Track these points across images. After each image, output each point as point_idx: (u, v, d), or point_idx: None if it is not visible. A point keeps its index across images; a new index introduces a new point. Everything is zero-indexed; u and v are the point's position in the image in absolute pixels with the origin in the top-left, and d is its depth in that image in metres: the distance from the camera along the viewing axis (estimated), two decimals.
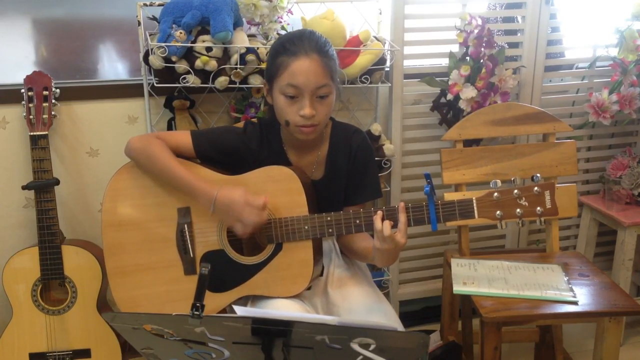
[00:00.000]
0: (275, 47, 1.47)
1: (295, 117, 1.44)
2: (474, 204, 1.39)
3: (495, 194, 1.38)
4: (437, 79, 2.06)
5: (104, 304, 1.88)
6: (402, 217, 1.36)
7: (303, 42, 1.42)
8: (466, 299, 1.96)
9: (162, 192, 1.51)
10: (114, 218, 1.52)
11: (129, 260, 1.52)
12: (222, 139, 1.55)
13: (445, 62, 2.07)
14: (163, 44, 1.72)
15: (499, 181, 1.38)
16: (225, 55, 1.78)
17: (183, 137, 1.52)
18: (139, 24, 1.83)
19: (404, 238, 1.34)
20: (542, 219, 1.39)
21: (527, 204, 1.37)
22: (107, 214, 1.52)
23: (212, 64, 1.75)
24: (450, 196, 1.43)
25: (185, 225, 1.50)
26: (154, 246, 1.51)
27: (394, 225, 1.35)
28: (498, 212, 1.38)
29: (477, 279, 1.72)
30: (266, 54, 1.77)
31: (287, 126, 1.47)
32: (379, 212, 1.37)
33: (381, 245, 1.34)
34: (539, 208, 1.37)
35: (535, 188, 1.37)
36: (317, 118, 1.44)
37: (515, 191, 1.37)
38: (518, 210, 1.38)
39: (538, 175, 1.37)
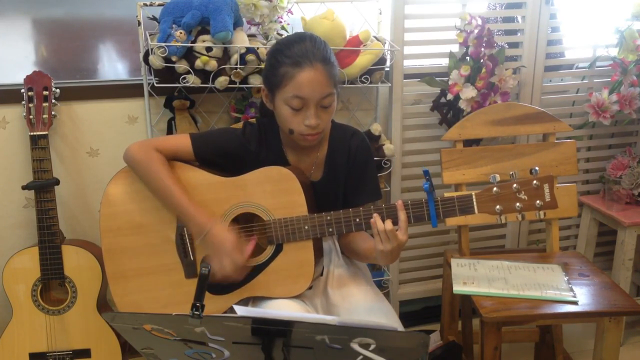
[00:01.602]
0: (276, 56, 1.44)
1: (300, 127, 1.43)
2: (474, 199, 1.39)
3: (495, 188, 1.38)
4: (437, 79, 2.06)
5: (104, 304, 1.88)
6: (401, 215, 1.36)
7: (306, 51, 1.40)
8: (466, 299, 1.96)
9: None
10: (113, 223, 1.52)
11: (130, 265, 1.51)
12: (221, 141, 1.54)
13: (445, 62, 2.07)
14: (163, 44, 1.72)
15: (497, 176, 1.38)
16: (225, 55, 1.78)
17: (182, 142, 1.52)
18: (139, 24, 1.83)
19: (405, 235, 1.34)
20: (542, 212, 1.38)
21: (526, 197, 1.37)
22: (105, 219, 1.52)
23: (212, 64, 1.75)
24: (450, 195, 1.42)
25: (185, 229, 1.50)
26: (154, 250, 1.51)
27: (394, 223, 1.35)
28: (498, 206, 1.38)
29: (477, 279, 1.72)
30: (266, 55, 1.77)
31: (290, 134, 1.47)
32: (376, 214, 1.37)
33: (383, 247, 1.34)
34: (538, 201, 1.37)
35: (534, 181, 1.37)
36: (321, 126, 1.44)
37: (514, 185, 1.37)
38: (517, 204, 1.37)
39: (537, 168, 1.37)
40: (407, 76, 2.08)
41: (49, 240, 1.78)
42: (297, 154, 1.57)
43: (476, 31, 1.93)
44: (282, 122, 1.47)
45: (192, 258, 1.50)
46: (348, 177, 1.57)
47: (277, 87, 1.43)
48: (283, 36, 1.83)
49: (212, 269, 1.43)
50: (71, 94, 1.90)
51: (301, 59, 1.39)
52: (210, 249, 1.44)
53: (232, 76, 1.80)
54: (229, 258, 1.40)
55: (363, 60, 1.89)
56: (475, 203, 1.39)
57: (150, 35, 1.80)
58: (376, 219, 1.35)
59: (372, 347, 1.00)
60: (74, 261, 1.80)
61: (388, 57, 1.95)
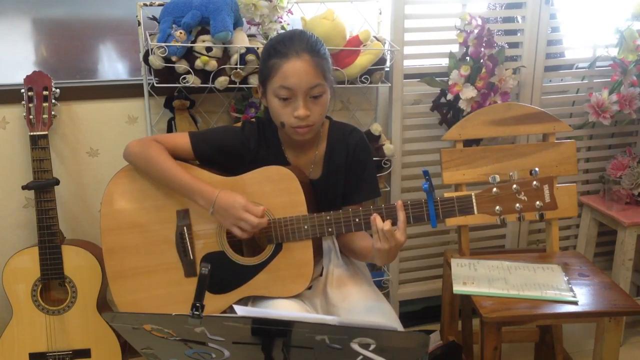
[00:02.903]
0: (267, 50, 1.47)
1: (290, 119, 1.44)
2: (473, 200, 1.39)
3: (494, 189, 1.38)
4: (437, 79, 2.06)
5: (104, 304, 1.88)
6: (400, 215, 1.36)
7: (293, 42, 1.42)
8: (466, 299, 1.96)
9: (160, 195, 1.51)
10: (113, 222, 1.52)
11: (129, 264, 1.52)
12: (221, 139, 1.55)
13: (445, 62, 2.07)
14: (163, 44, 1.72)
15: (497, 176, 1.38)
16: (225, 55, 1.78)
17: (181, 139, 1.52)
18: (139, 24, 1.83)
19: (403, 236, 1.34)
20: (542, 213, 1.38)
21: (526, 198, 1.37)
22: (105, 218, 1.52)
23: (212, 64, 1.75)
24: (450, 195, 1.42)
25: (185, 228, 1.50)
26: (154, 249, 1.51)
27: (393, 224, 1.35)
28: (497, 207, 1.38)
29: (477, 279, 1.72)
30: None
31: (282, 127, 1.47)
32: (376, 214, 1.37)
33: (381, 245, 1.34)
34: (538, 202, 1.37)
35: (534, 182, 1.37)
36: (311, 118, 1.44)
37: (514, 186, 1.37)
38: (517, 205, 1.37)
39: (537, 169, 1.36)
40: (407, 76, 2.08)
41: (49, 240, 1.78)
42: (296, 153, 1.57)
43: (476, 31, 1.93)
44: (274, 115, 1.48)
45: (191, 257, 1.50)
46: (347, 174, 1.57)
47: (266, 79, 1.45)
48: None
49: (235, 233, 1.43)
50: (71, 94, 1.90)
51: (287, 49, 1.41)
52: (223, 216, 1.42)
53: (232, 76, 1.80)
54: (245, 213, 1.39)
55: (363, 60, 1.89)
56: (474, 203, 1.39)
57: (150, 35, 1.80)
58: (376, 217, 1.35)
59: (372, 347, 1.00)
60: (74, 261, 1.80)
61: (388, 57, 1.95)
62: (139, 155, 1.48)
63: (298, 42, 1.42)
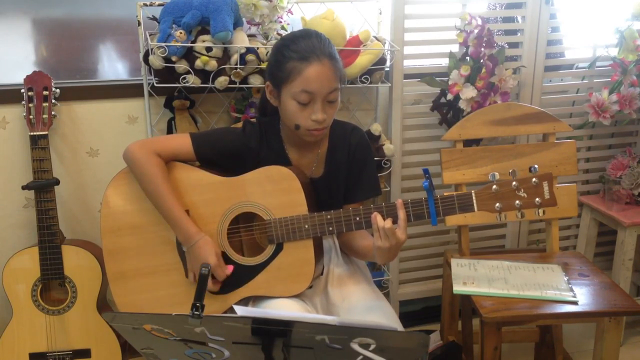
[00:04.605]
0: (281, 51, 1.44)
1: (307, 122, 1.43)
2: (473, 197, 1.39)
3: (494, 186, 1.38)
4: (437, 79, 2.06)
5: (104, 304, 1.88)
6: (401, 214, 1.36)
7: (313, 46, 1.40)
8: (466, 299, 1.96)
9: None
10: (113, 223, 1.52)
11: (130, 265, 1.51)
12: (222, 139, 1.55)
13: (445, 62, 2.07)
14: (163, 44, 1.72)
15: (497, 174, 1.38)
16: (225, 55, 1.78)
17: (183, 142, 1.52)
18: (139, 24, 1.83)
19: (404, 234, 1.35)
20: (541, 210, 1.38)
21: (525, 195, 1.38)
22: (106, 219, 1.52)
23: (212, 64, 1.75)
24: (450, 193, 1.43)
25: None
26: (155, 250, 1.51)
27: (394, 222, 1.35)
28: (497, 204, 1.38)
29: (477, 279, 1.72)
30: (266, 54, 1.77)
31: (296, 130, 1.47)
32: (376, 212, 1.37)
33: (382, 244, 1.35)
34: (537, 199, 1.37)
35: (534, 179, 1.37)
36: (327, 121, 1.45)
37: (514, 183, 1.37)
38: (517, 201, 1.38)
39: (536, 166, 1.37)
40: (407, 76, 2.08)
41: (49, 240, 1.78)
42: (299, 152, 1.57)
43: (476, 31, 1.93)
44: (289, 118, 1.47)
45: None
46: (348, 173, 1.57)
47: (284, 82, 1.43)
48: (287, 33, 1.83)
49: (191, 278, 1.48)
50: (71, 94, 1.90)
51: (309, 54, 1.39)
52: (192, 259, 1.46)
53: (232, 76, 1.80)
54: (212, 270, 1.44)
55: (363, 60, 1.89)
56: (475, 201, 1.39)
57: (150, 35, 1.80)
58: (376, 215, 1.35)
59: (372, 347, 1.00)
60: (74, 261, 1.80)
61: (388, 57, 1.95)
62: (138, 166, 1.47)
63: (318, 45, 1.41)
